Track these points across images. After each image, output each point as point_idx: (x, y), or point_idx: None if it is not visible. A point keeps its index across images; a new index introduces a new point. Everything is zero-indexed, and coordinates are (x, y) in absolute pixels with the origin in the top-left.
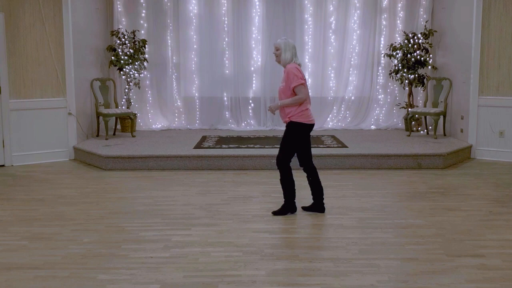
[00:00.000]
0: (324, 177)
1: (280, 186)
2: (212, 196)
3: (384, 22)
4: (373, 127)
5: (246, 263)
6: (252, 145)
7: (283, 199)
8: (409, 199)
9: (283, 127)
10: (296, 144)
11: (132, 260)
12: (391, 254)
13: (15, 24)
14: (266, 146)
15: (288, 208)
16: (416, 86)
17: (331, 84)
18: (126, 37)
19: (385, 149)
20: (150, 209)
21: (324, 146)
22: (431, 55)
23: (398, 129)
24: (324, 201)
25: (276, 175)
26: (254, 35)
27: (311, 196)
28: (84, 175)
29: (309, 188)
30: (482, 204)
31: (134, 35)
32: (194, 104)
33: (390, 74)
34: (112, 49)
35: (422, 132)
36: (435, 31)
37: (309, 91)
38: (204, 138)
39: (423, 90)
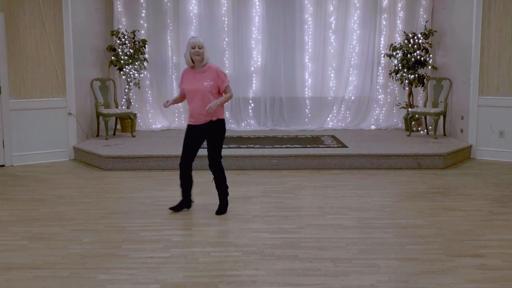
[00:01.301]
0: (324, 177)
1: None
2: (213, 196)
3: (384, 22)
4: (373, 127)
5: (246, 263)
6: (252, 145)
7: (220, 198)
8: (409, 199)
9: (283, 127)
10: (223, 139)
11: (132, 260)
12: (391, 254)
13: (15, 24)
14: (266, 146)
15: (226, 202)
16: (416, 86)
17: (331, 84)
18: (126, 37)
19: (385, 149)
20: (150, 209)
21: (324, 146)
22: (431, 55)
23: (398, 129)
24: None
25: (276, 175)
26: (254, 35)
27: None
28: (84, 175)
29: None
30: (482, 204)
31: (134, 35)
32: None
33: (390, 74)
34: (112, 49)
35: (422, 132)
36: (435, 31)
37: (309, 91)
38: None
39: (423, 90)
